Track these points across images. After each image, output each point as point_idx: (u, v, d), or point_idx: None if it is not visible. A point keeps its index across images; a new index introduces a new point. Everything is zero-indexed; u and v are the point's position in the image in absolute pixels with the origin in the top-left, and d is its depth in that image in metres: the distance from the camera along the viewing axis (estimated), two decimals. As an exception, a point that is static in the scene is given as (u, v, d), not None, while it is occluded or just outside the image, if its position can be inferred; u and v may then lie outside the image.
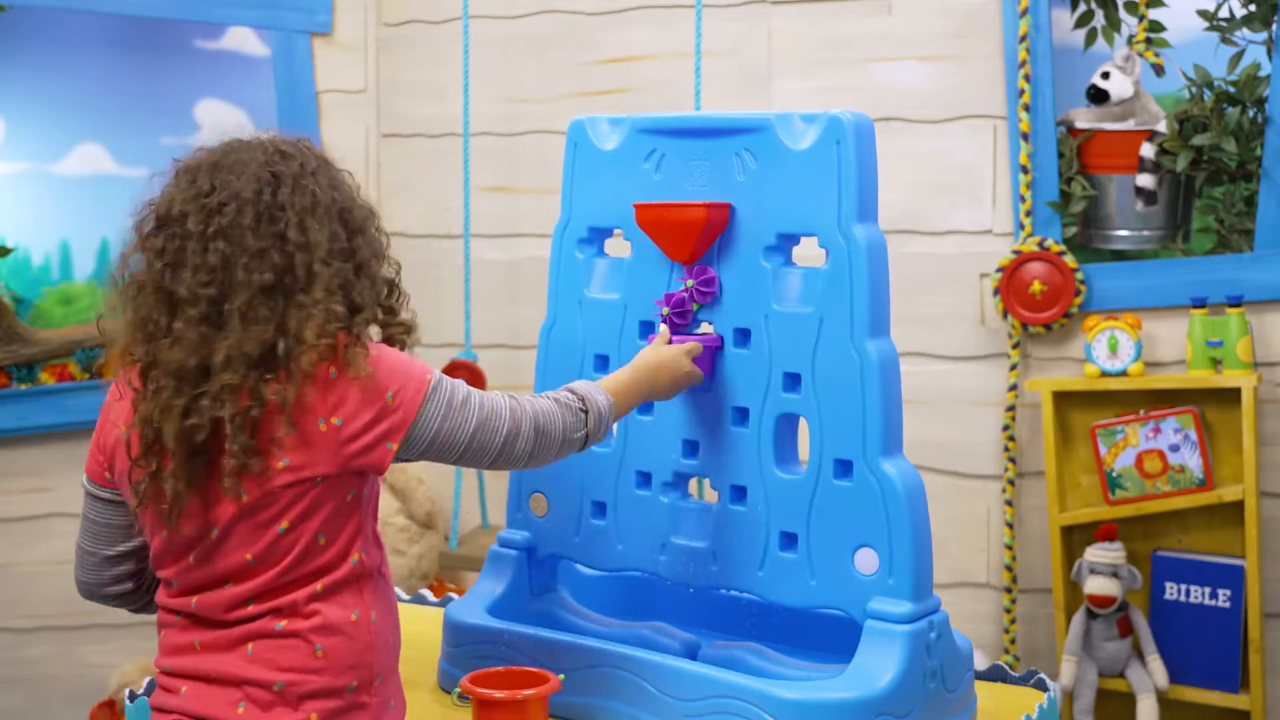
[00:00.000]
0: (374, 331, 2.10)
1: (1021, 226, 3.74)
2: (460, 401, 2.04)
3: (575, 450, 2.15)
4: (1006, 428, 3.79)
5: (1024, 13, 3.69)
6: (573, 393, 2.15)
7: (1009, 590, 3.80)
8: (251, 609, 2.00)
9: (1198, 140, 3.59)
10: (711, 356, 2.32)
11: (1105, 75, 3.66)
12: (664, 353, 2.27)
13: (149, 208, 2.04)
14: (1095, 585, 3.59)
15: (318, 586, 1.99)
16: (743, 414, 2.31)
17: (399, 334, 2.12)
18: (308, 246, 1.99)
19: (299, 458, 1.95)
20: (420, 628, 2.59)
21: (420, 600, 2.82)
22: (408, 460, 2.05)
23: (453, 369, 4.00)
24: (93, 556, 2.16)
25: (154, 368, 1.97)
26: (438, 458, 2.05)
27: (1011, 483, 3.81)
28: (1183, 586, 3.63)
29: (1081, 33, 3.75)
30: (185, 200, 2.01)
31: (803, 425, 2.28)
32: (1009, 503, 3.81)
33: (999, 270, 3.74)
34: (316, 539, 1.99)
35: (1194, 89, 3.64)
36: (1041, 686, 2.40)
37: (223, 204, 2.00)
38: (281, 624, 1.99)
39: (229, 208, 1.99)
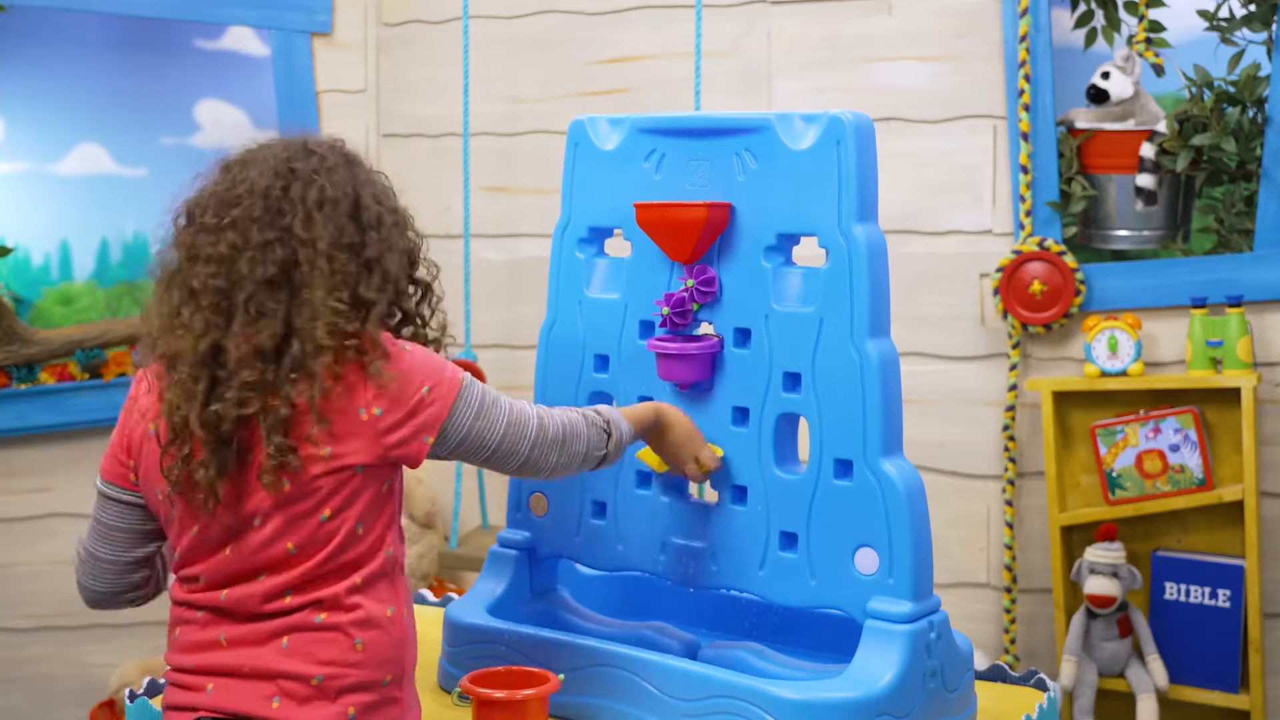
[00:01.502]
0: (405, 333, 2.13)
1: (1021, 226, 3.74)
2: (491, 402, 2.08)
3: (592, 468, 2.20)
4: (1006, 428, 3.79)
5: (1024, 13, 3.69)
6: (598, 413, 2.19)
7: (1009, 590, 3.80)
8: (289, 601, 1.99)
9: (1198, 140, 3.59)
10: (710, 358, 2.32)
11: (1105, 75, 3.66)
12: (688, 426, 2.30)
13: (183, 204, 2.06)
14: (1095, 585, 3.59)
15: (357, 579, 2.00)
16: (743, 414, 2.31)
17: (425, 340, 2.14)
18: (310, 241, 2.00)
19: (340, 447, 1.97)
20: (420, 628, 2.58)
21: (420, 600, 2.82)
22: (440, 457, 2.07)
23: (453, 369, 4.00)
24: (111, 565, 2.13)
25: (176, 358, 1.99)
26: (467, 456, 2.08)
27: (1011, 483, 3.81)
28: (1183, 586, 3.63)
29: (1081, 33, 3.75)
30: (212, 194, 2.04)
31: (803, 425, 2.28)
32: (1009, 503, 3.81)
33: (999, 270, 3.74)
34: (356, 528, 2.00)
35: (1194, 89, 3.64)
36: (1041, 686, 2.40)
37: (239, 197, 2.02)
38: (321, 616, 1.99)
39: (244, 201, 2.01)
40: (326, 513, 1.98)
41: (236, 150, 2.08)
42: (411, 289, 2.14)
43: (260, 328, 1.96)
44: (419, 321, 2.15)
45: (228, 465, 1.97)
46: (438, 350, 2.14)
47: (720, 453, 2.32)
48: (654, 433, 2.28)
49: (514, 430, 2.09)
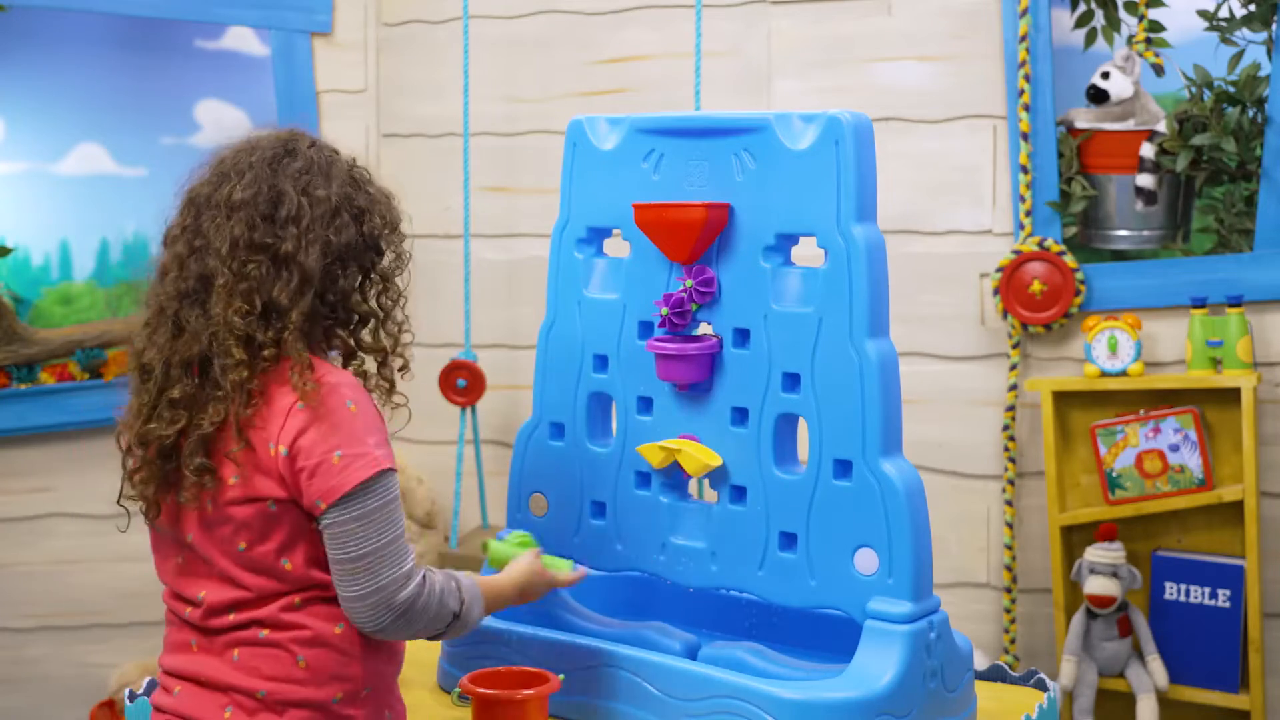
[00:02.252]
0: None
1: (1021, 226, 3.74)
2: (389, 517, 1.93)
3: (422, 637, 2.02)
4: (1006, 428, 3.79)
5: (1024, 13, 3.69)
6: (461, 590, 2.04)
7: (1009, 590, 3.80)
8: (232, 618, 1.97)
9: (1198, 140, 3.59)
10: (709, 358, 2.32)
11: (1105, 75, 3.66)
12: (536, 580, 2.22)
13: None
14: (1095, 585, 3.59)
15: (295, 599, 1.96)
16: (742, 414, 2.31)
17: (378, 359, 2.03)
18: (216, 249, 1.93)
19: (249, 477, 1.92)
20: (420, 628, 2.59)
21: (420, 600, 2.82)
22: (315, 525, 1.95)
23: (452, 369, 4.00)
24: None
25: (129, 353, 2.00)
26: (327, 546, 1.93)
27: (1011, 483, 3.81)
28: (1182, 586, 3.63)
29: (1081, 33, 3.75)
30: (176, 209, 2.02)
31: (802, 425, 2.28)
32: (1009, 503, 3.81)
33: (999, 270, 3.74)
34: (279, 561, 1.95)
35: (1194, 89, 3.64)
36: (1041, 686, 2.40)
37: (183, 207, 2.00)
38: (264, 633, 1.96)
39: (184, 212, 1.99)
40: (243, 543, 1.94)
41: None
42: (367, 283, 2.03)
43: (181, 344, 1.93)
44: (379, 319, 2.02)
45: (168, 480, 1.95)
46: (386, 360, 2.03)
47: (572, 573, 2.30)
48: (509, 604, 2.20)
49: (378, 560, 1.92)
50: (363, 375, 2.05)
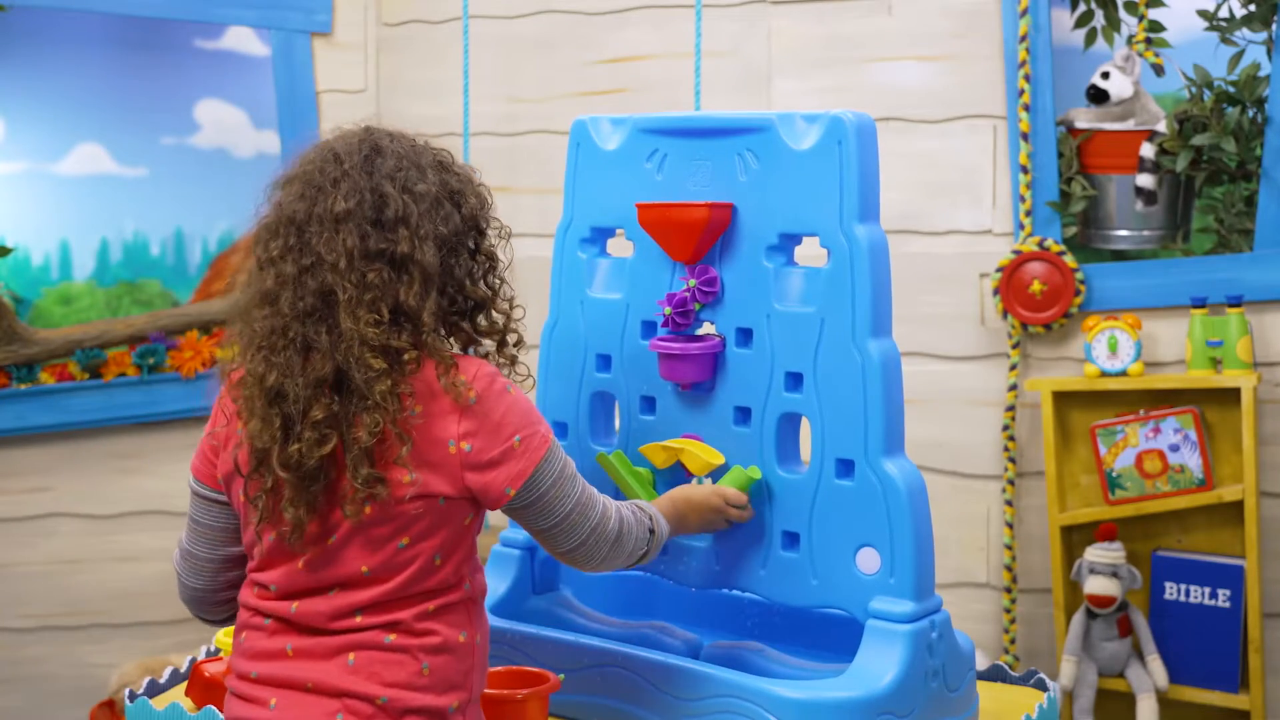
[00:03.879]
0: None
1: (1021, 226, 3.74)
2: (570, 474, 1.99)
3: (628, 567, 2.10)
4: (1006, 428, 3.79)
5: (1024, 13, 3.69)
6: (642, 509, 2.11)
7: (1009, 590, 3.80)
8: (359, 620, 1.91)
9: (1198, 140, 3.59)
10: (712, 358, 2.33)
11: (1105, 75, 3.67)
12: (702, 499, 2.26)
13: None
14: (1095, 585, 3.59)
15: (429, 606, 1.92)
16: (744, 414, 2.31)
17: (496, 340, 2.01)
18: (334, 263, 1.89)
19: (426, 475, 1.89)
20: (421, 627, 2.59)
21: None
22: (505, 511, 1.97)
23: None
24: (209, 563, 2.06)
25: (245, 379, 1.92)
26: (528, 521, 1.98)
27: (1011, 483, 3.81)
28: (1182, 586, 3.63)
29: (1081, 33, 3.75)
30: (263, 224, 1.96)
31: (804, 425, 2.28)
32: (1009, 503, 3.81)
33: (999, 270, 3.74)
34: (433, 559, 1.92)
35: (1194, 89, 3.64)
36: (1041, 686, 2.40)
37: (277, 226, 1.94)
38: (391, 638, 1.91)
39: (281, 231, 1.93)
40: (405, 540, 1.90)
41: (291, 162, 1.98)
42: (475, 266, 2.00)
43: (313, 363, 1.87)
44: (490, 300, 2.00)
45: (316, 500, 1.90)
46: (504, 340, 2.02)
47: (755, 473, 2.30)
48: (681, 523, 2.23)
49: (579, 510, 1.99)
50: (485, 358, 2.02)
